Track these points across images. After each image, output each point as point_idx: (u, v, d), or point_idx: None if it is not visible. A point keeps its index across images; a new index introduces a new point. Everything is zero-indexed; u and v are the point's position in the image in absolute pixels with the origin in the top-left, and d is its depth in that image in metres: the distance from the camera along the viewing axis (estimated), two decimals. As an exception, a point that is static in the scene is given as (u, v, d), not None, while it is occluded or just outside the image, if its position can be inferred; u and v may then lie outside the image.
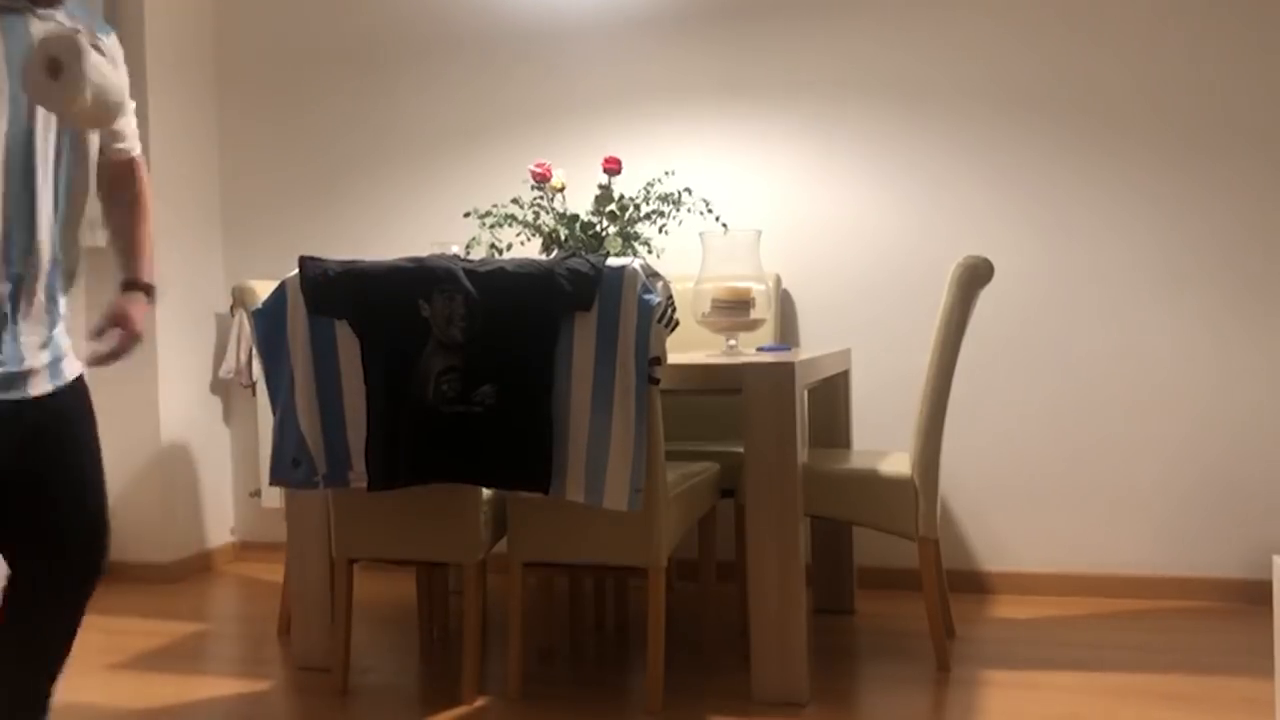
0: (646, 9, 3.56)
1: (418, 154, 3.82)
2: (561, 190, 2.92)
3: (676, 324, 2.31)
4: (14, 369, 1.58)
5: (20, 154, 1.54)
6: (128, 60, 4.08)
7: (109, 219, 1.92)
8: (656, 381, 2.24)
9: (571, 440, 2.23)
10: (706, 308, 2.68)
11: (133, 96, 3.80)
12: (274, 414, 2.41)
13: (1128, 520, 3.17)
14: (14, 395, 1.58)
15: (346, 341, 2.31)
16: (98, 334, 1.79)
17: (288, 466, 2.39)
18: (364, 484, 2.32)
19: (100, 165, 1.82)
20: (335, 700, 2.46)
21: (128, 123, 1.84)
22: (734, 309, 2.65)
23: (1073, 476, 3.21)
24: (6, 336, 1.57)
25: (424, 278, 2.26)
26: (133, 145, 1.87)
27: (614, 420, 2.20)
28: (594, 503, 2.22)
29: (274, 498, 3.57)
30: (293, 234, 3.96)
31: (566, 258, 2.26)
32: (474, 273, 2.26)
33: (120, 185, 1.89)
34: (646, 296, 2.19)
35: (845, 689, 2.44)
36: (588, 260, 2.24)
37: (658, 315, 2.21)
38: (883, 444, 3.36)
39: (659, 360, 2.23)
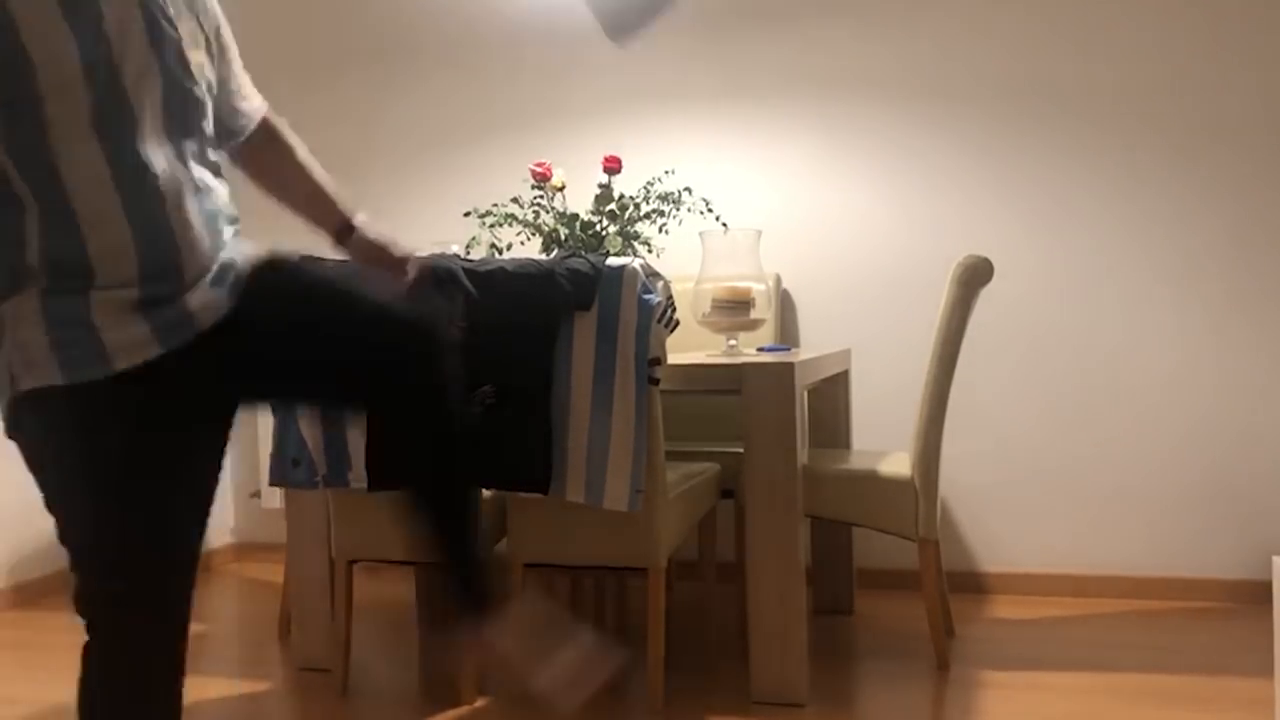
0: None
1: (418, 154, 3.82)
2: (561, 189, 2.92)
3: (676, 324, 2.31)
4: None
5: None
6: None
7: (276, 186, 1.76)
8: (656, 382, 2.24)
9: (571, 440, 2.23)
10: (706, 308, 2.68)
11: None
12: (274, 414, 2.42)
13: (1128, 520, 3.17)
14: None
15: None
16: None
17: (288, 466, 2.39)
18: (364, 484, 2.32)
19: (245, 146, 1.68)
20: (335, 700, 2.46)
21: (246, 79, 1.65)
22: (734, 309, 2.65)
23: (1073, 477, 3.21)
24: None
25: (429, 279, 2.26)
26: (259, 101, 1.68)
27: (614, 420, 2.20)
28: (594, 503, 2.22)
29: (274, 498, 3.57)
30: (292, 234, 3.96)
31: (566, 257, 2.26)
32: (474, 272, 2.26)
33: (273, 147, 1.71)
34: (646, 296, 2.19)
35: (845, 689, 2.44)
36: (588, 260, 2.25)
37: (658, 315, 2.21)
38: (883, 444, 3.36)
39: (659, 361, 2.23)
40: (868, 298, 3.38)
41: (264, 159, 1.71)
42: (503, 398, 2.22)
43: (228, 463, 4.01)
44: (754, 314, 2.66)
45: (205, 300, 1.35)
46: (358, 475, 2.33)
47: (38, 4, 1.21)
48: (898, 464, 2.64)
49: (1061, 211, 3.22)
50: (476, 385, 2.23)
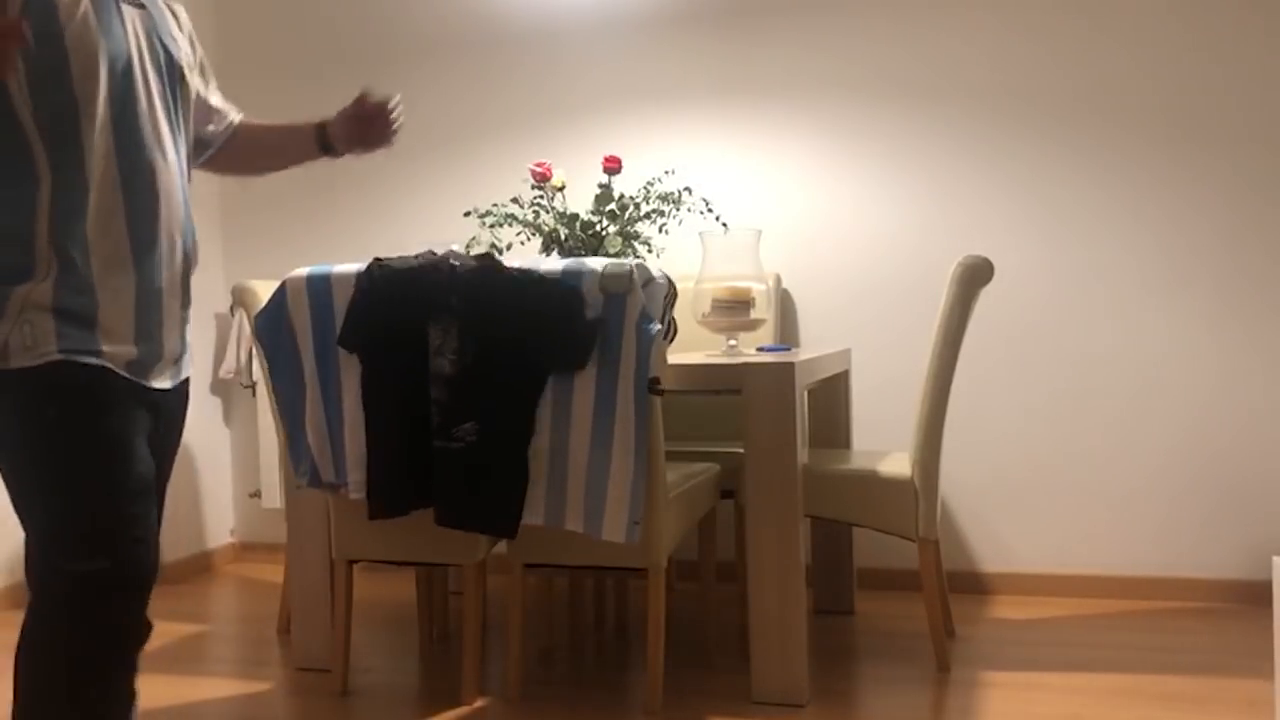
0: (647, 8, 3.56)
1: (418, 154, 3.82)
2: (561, 189, 2.92)
3: (675, 333, 2.30)
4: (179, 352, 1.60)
5: (150, 128, 1.52)
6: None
7: (264, 157, 1.92)
8: (660, 393, 2.23)
9: (571, 471, 2.21)
10: (706, 308, 2.68)
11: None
12: (278, 415, 2.42)
13: (1128, 521, 3.16)
14: (166, 383, 1.56)
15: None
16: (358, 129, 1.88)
17: (302, 471, 2.40)
18: (360, 495, 2.32)
19: (222, 154, 1.84)
20: (335, 700, 2.46)
21: (220, 100, 1.84)
22: (734, 309, 2.65)
23: (1073, 477, 3.21)
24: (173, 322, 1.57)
25: (426, 301, 2.24)
26: (234, 114, 1.87)
27: (613, 453, 2.18)
28: (593, 533, 2.21)
29: (274, 498, 3.57)
30: (293, 234, 3.96)
31: (569, 273, 2.19)
32: (475, 300, 2.22)
33: (249, 141, 1.87)
34: (647, 326, 2.17)
35: (845, 689, 2.44)
36: (588, 305, 2.17)
37: (661, 335, 2.18)
38: (883, 444, 3.36)
39: (659, 380, 2.21)
40: (868, 298, 3.38)
41: (234, 147, 1.85)
42: (482, 437, 2.18)
43: (228, 462, 4.02)
44: (754, 314, 2.66)
45: (165, 373, 1.55)
46: (355, 486, 2.32)
47: (80, 21, 1.41)
48: (898, 464, 2.64)
49: (1061, 212, 3.22)
50: (459, 420, 2.19)
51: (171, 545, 3.72)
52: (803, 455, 2.44)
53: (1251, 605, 3.03)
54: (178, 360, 1.58)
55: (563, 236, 2.84)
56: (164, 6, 1.61)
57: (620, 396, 2.18)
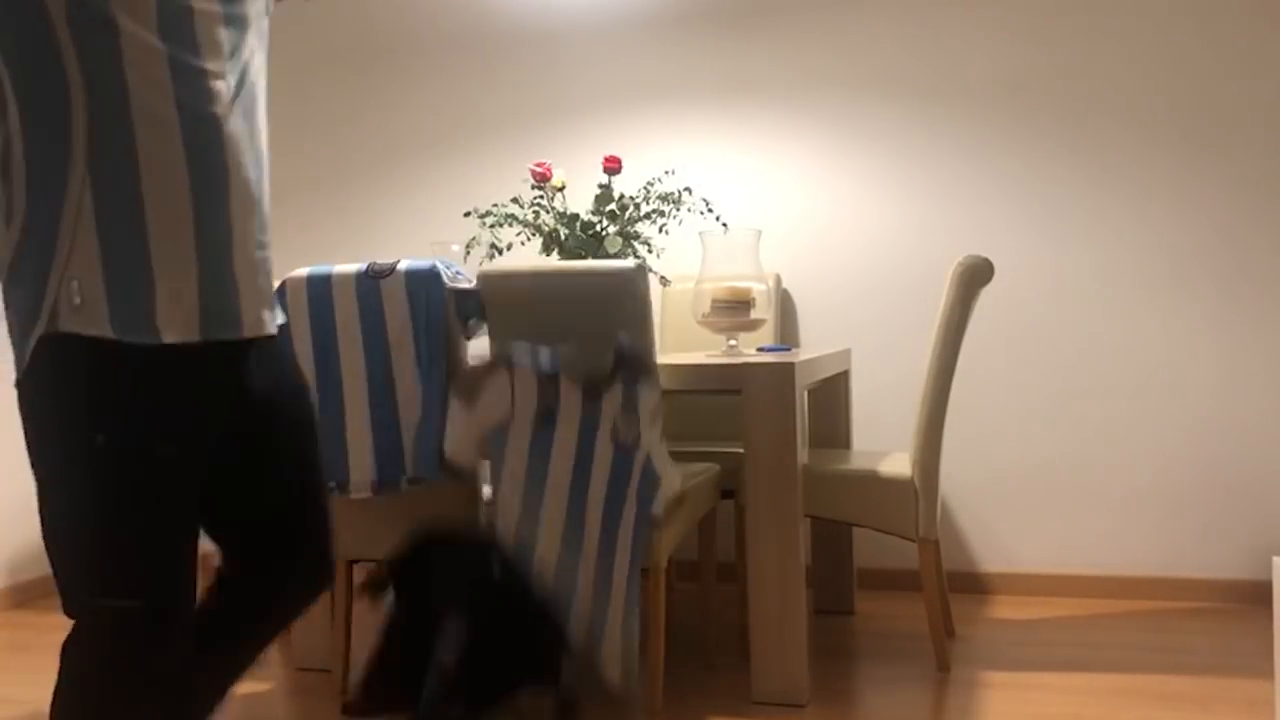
0: (647, 8, 3.56)
1: (418, 154, 3.82)
2: (561, 189, 2.92)
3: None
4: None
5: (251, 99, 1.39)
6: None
7: None
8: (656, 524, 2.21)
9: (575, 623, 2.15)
10: (706, 308, 2.68)
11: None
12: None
13: (1128, 521, 3.16)
14: (253, 330, 1.37)
15: (349, 350, 2.31)
16: None
17: None
18: (361, 495, 2.32)
19: None
20: (335, 700, 2.46)
21: None
22: (734, 309, 2.65)
23: (1073, 477, 3.21)
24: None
25: None
26: None
27: (610, 605, 2.15)
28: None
29: (274, 498, 3.56)
30: (293, 234, 3.96)
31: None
32: None
33: None
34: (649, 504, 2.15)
35: (845, 689, 2.44)
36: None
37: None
38: (883, 444, 3.36)
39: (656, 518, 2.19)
40: (868, 298, 3.38)
41: None
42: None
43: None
44: (754, 314, 2.66)
45: (256, 312, 1.34)
46: (360, 484, 2.32)
47: None
48: (898, 464, 2.64)
49: (1061, 212, 3.22)
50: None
51: (171, 545, 3.72)
52: (803, 455, 2.44)
53: (1251, 605, 3.03)
54: (265, 301, 1.38)
55: (563, 236, 2.84)
56: None
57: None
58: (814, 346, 3.33)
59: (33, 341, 1.23)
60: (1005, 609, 3.09)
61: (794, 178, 3.44)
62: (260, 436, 1.42)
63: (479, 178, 3.76)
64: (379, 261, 2.31)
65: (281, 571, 1.48)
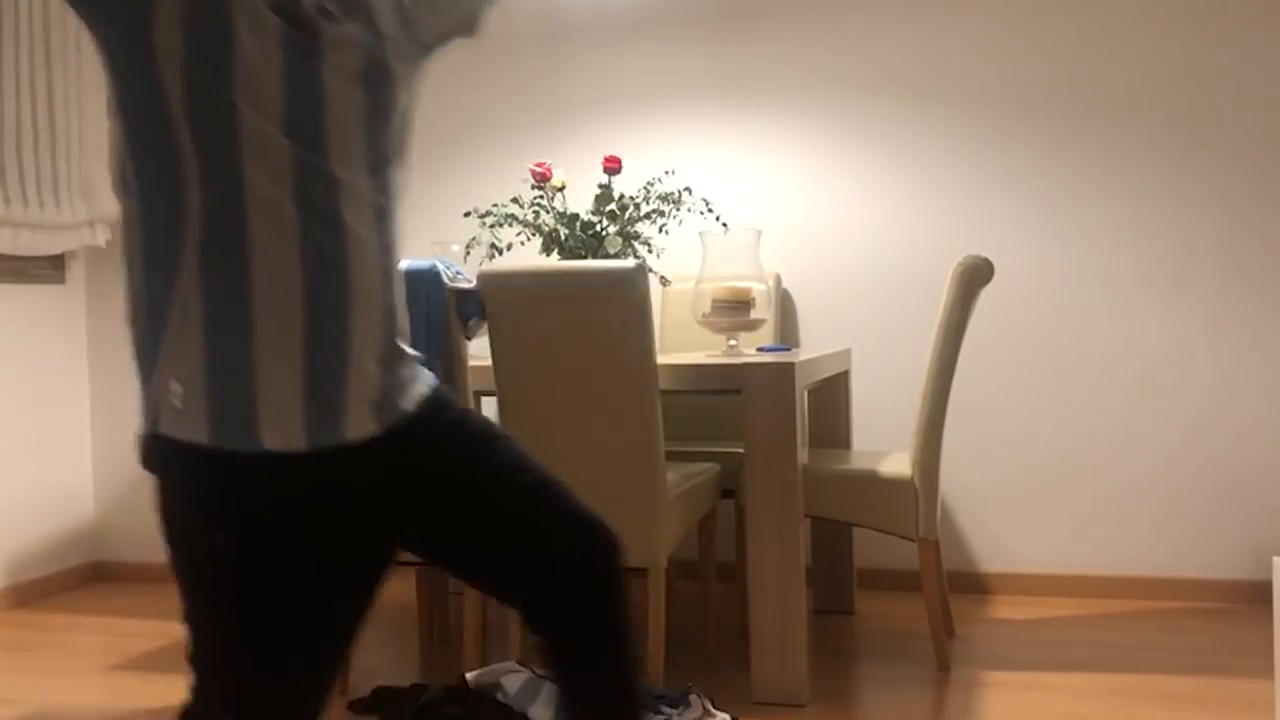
0: (647, 8, 3.56)
1: (418, 154, 3.82)
2: (562, 190, 2.92)
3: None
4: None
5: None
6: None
7: None
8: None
9: None
10: (706, 308, 2.68)
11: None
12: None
13: (1128, 521, 3.16)
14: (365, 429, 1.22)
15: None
16: None
17: None
18: None
19: None
20: (335, 700, 2.46)
21: None
22: (734, 309, 2.65)
23: (1073, 477, 3.21)
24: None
25: None
26: None
27: None
28: None
29: (274, 498, 3.56)
30: (293, 234, 3.96)
31: None
32: None
33: None
34: None
35: (845, 689, 2.44)
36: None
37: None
38: (883, 444, 3.36)
39: None
40: (868, 298, 3.38)
41: None
42: None
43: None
44: (754, 314, 2.66)
45: (365, 417, 1.20)
46: None
47: None
48: (898, 464, 2.64)
49: (1061, 212, 3.22)
50: None
51: (171, 545, 3.72)
52: (803, 455, 2.44)
53: (1251, 605, 3.03)
54: (387, 395, 1.23)
55: (563, 237, 2.84)
56: None
57: None
58: (814, 346, 3.33)
59: (142, 439, 1.18)
60: (1005, 609, 3.09)
61: (794, 178, 3.44)
62: (442, 491, 1.28)
63: (479, 178, 3.76)
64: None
65: (567, 574, 1.29)
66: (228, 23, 1.11)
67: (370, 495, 1.24)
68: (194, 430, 1.13)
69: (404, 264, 2.31)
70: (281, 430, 1.14)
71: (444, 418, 1.30)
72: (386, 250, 1.22)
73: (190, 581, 1.17)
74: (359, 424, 1.19)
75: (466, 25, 1.44)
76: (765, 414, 2.34)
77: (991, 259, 2.59)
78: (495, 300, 2.32)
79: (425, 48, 1.34)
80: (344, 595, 1.26)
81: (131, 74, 1.12)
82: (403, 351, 1.26)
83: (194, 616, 1.18)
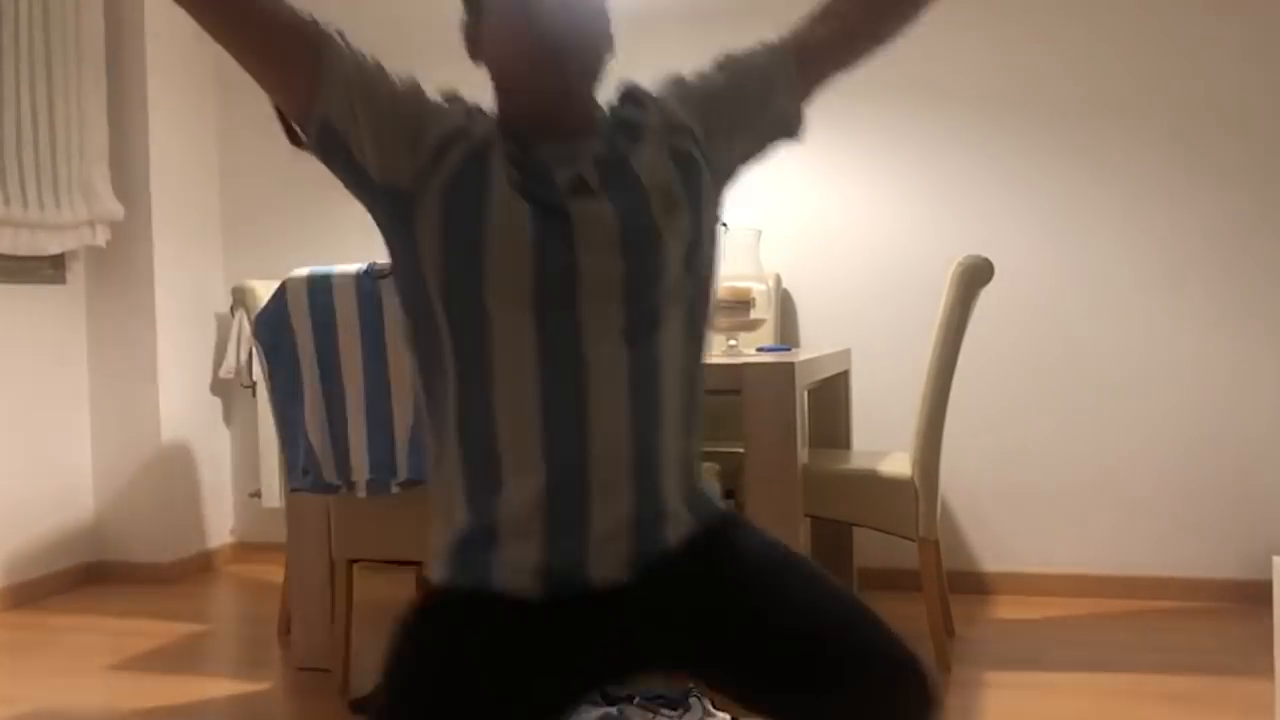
0: (647, 8, 3.56)
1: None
2: (561, 190, 2.91)
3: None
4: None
5: None
6: (128, 62, 4.07)
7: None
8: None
9: None
10: (706, 308, 2.67)
11: (134, 97, 3.80)
12: (276, 417, 2.41)
13: (1128, 520, 3.16)
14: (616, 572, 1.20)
15: (349, 350, 2.31)
16: None
17: (298, 475, 2.39)
18: (365, 494, 2.32)
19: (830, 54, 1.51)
20: (335, 700, 2.46)
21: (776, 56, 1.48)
22: (734, 309, 2.65)
23: (1073, 477, 3.21)
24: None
25: None
26: (787, 40, 1.49)
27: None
28: None
29: (274, 498, 3.57)
30: (293, 234, 3.96)
31: None
32: None
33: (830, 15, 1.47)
34: None
35: (845, 689, 2.44)
36: None
37: None
38: (883, 444, 3.36)
39: None
40: (868, 298, 3.38)
41: (835, 32, 1.44)
42: None
43: (228, 462, 4.01)
44: (754, 314, 2.66)
45: (613, 570, 1.18)
46: (361, 484, 2.33)
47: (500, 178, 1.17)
48: (898, 464, 2.64)
49: (1062, 212, 3.22)
50: None
51: (171, 545, 3.72)
52: (803, 455, 2.44)
53: (1251, 605, 3.03)
54: (640, 546, 1.19)
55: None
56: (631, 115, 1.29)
57: None
58: (814, 346, 3.33)
59: (425, 580, 1.27)
60: (1005, 609, 3.09)
61: (794, 177, 3.44)
62: (725, 620, 1.20)
63: (479, 178, 3.76)
64: (379, 262, 2.31)
65: (866, 706, 1.14)
66: (479, 218, 1.15)
67: (622, 636, 1.21)
68: (440, 573, 1.20)
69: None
70: (520, 581, 1.17)
71: (717, 554, 1.25)
72: (650, 409, 1.19)
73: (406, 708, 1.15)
74: (606, 570, 1.18)
75: (783, 127, 1.40)
76: (765, 414, 2.34)
77: (991, 259, 2.59)
78: (495, 300, 2.31)
79: (725, 176, 1.31)
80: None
81: (404, 269, 1.20)
82: (664, 499, 1.21)
83: None
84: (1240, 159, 3.08)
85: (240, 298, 3.01)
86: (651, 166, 1.22)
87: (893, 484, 2.55)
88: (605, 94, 1.32)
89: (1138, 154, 3.16)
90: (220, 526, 3.97)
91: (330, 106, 1.19)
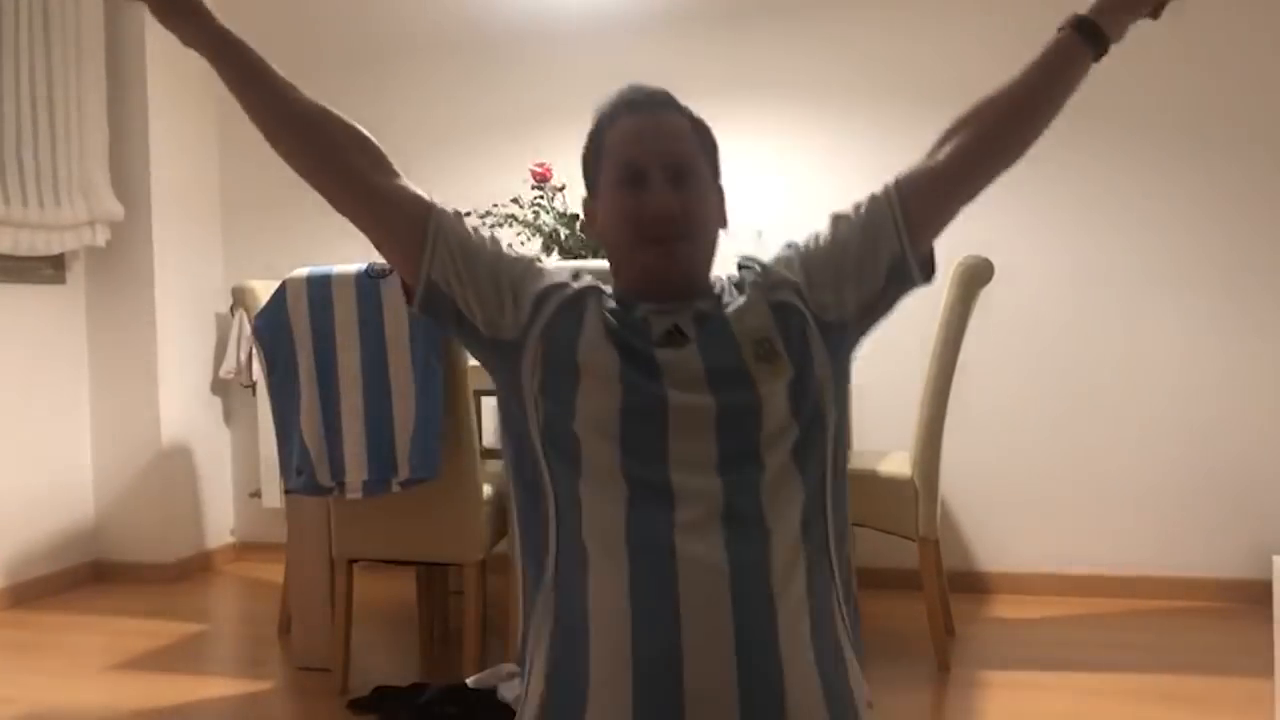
0: (647, 8, 3.56)
1: (417, 154, 3.82)
2: (562, 189, 2.92)
3: None
4: None
5: None
6: (128, 62, 4.07)
7: (1028, 110, 1.47)
8: None
9: None
10: (706, 308, 2.68)
11: (134, 97, 3.80)
12: (275, 421, 2.41)
13: (1128, 520, 3.16)
14: None
15: (348, 350, 2.31)
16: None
17: (292, 475, 2.39)
18: (359, 494, 2.32)
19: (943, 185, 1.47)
20: (335, 700, 2.46)
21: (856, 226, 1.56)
22: (734, 309, 2.64)
23: (1073, 477, 3.21)
24: None
25: None
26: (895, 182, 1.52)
27: None
28: None
29: (274, 498, 3.57)
30: (293, 234, 3.96)
31: None
32: None
33: (970, 123, 1.41)
34: None
35: (845, 689, 2.44)
36: None
37: None
38: (883, 444, 3.36)
39: None
40: (868, 298, 3.37)
41: (984, 124, 1.41)
42: None
43: (228, 462, 4.01)
44: (754, 314, 2.65)
45: None
46: (354, 485, 2.32)
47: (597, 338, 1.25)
48: (898, 464, 2.64)
49: (1063, 212, 3.22)
50: None
51: (171, 545, 3.72)
52: (803, 455, 2.44)
53: (1251, 605, 3.02)
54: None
55: (563, 236, 2.84)
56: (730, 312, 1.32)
57: None
58: (814, 346, 3.33)
59: None
60: (1005, 609, 3.09)
61: (795, 177, 3.44)
62: None
63: (479, 178, 3.76)
64: (378, 262, 2.31)
65: None
66: (573, 354, 1.24)
67: None
68: None
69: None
70: None
71: None
72: (746, 568, 1.15)
73: None
74: None
75: (901, 271, 1.44)
76: (765, 414, 2.33)
77: (993, 259, 2.59)
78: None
79: (839, 328, 1.40)
80: None
81: (508, 410, 1.28)
82: (780, 691, 1.15)
83: None
84: (1241, 159, 3.07)
85: (240, 297, 3.01)
86: (745, 316, 1.29)
87: (893, 483, 2.55)
88: (722, 263, 1.45)
89: (1138, 154, 3.15)
90: (220, 526, 3.97)
91: (435, 271, 1.33)
